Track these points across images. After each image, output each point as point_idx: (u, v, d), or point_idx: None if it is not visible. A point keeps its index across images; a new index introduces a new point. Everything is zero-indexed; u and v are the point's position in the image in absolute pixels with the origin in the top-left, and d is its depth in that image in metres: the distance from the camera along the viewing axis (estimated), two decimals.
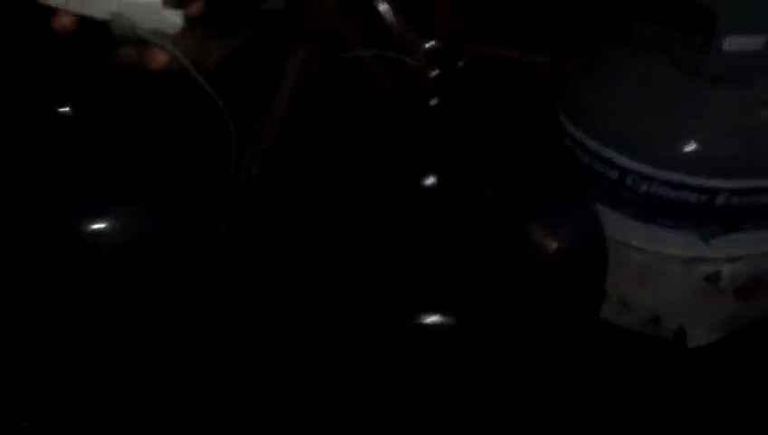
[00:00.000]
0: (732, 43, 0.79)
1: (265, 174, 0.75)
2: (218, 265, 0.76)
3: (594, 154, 0.87)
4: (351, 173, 0.72)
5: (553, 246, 0.69)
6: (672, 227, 0.85)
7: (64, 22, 0.56)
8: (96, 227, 0.72)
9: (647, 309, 0.89)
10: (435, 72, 0.64)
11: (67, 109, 0.72)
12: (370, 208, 0.69)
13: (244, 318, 0.73)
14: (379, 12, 0.63)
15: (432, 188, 0.68)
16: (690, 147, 0.82)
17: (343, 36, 0.93)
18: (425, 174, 0.68)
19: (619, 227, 0.86)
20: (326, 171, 0.74)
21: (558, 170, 0.86)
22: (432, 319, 0.64)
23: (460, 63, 0.65)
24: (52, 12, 0.56)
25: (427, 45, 0.65)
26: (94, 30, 0.57)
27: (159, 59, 0.58)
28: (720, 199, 0.83)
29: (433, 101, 0.66)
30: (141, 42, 0.57)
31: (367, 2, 0.63)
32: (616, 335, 0.90)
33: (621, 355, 0.89)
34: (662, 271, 0.87)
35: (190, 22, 0.58)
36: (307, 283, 0.67)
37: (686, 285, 0.87)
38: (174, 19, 0.57)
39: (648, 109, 0.85)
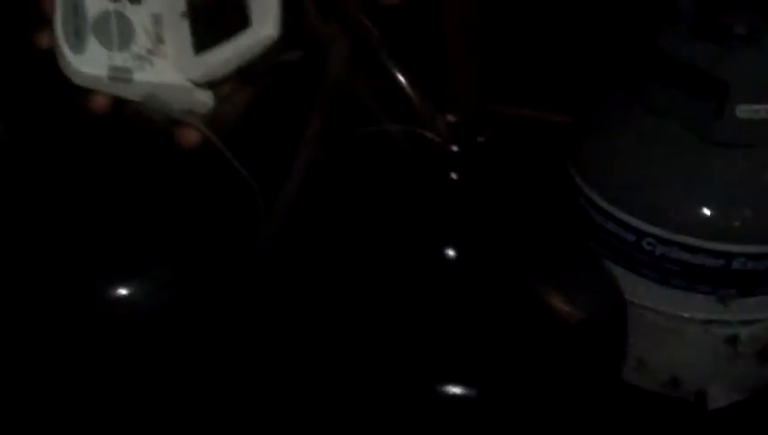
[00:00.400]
0: (744, 111, 0.81)
1: (283, 238, 0.76)
2: (239, 328, 0.77)
3: (609, 216, 0.87)
4: (373, 243, 0.73)
5: (574, 315, 0.69)
6: (688, 290, 0.86)
7: (100, 102, 0.57)
8: (125, 292, 0.74)
9: (665, 370, 0.89)
10: (455, 148, 0.65)
11: (101, 183, 0.75)
12: (391, 279, 0.70)
13: (264, 380, 0.74)
14: (397, 83, 0.64)
15: (452, 258, 0.69)
16: (706, 211, 0.83)
17: (360, 101, 0.94)
18: (445, 245, 0.69)
19: (635, 289, 0.86)
20: (347, 240, 0.75)
21: (576, 234, 0.86)
22: (453, 389, 0.65)
23: (480, 139, 0.66)
24: (88, 92, 0.56)
25: (447, 120, 0.67)
26: (128, 110, 0.58)
27: (191, 137, 0.59)
28: (736, 263, 0.83)
29: (453, 175, 0.67)
30: (173, 120, 0.59)
31: (383, 71, 0.64)
32: (636, 396, 0.90)
33: (642, 416, 0.89)
34: (679, 333, 0.87)
35: (220, 102, 0.60)
36: (328, 354, 0.68)
37: (704, 347, 0.87)
38: (204, 100, 0.58)
39: (664, 172, 0.86)
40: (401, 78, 0.64)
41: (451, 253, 0.69)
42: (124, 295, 0.74)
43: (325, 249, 0.74)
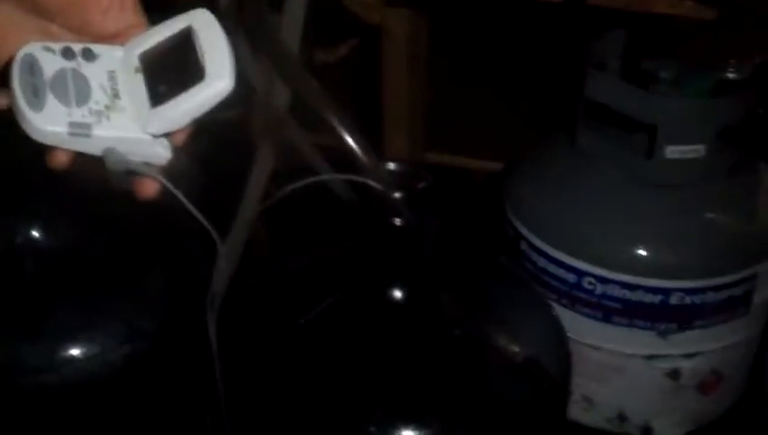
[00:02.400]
0: (673, 152, 0.84)
1: (234, 287, 0.76)
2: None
3: (550, 258, 0.89)
4: (319, 290, 0.73)
5: (518, 354, 0.70)
6: (629, 326, 0.88)
7: (60, 159, 0.57)
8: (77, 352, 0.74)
9: (611, 406, 0.91)
10: (397, 194, 0.67)
11: (60, 235, 0.76)
12: (336, 324, 0.71)
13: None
14: (338, 134, 0.66)
15: (397, 302, 0.69)
16: (642, 250, 0.85)
17: (301, 152, 0.95)
18: (389, 289, 0.69)
19: (577, 327, 0.88)
20: (293, 286, 0.76)
21: (517, 276, 0.88)
22: (398, 431, 0.66)
23: (420, 185, 0.68)
24: (48, 149, 0.57)
25: (388, 168, 0.68)
26: (88, 165, 0.59)
27: (150, 188, 0.60)
28: (674, 298, 0.85)
29: (396, 221, 0.68)
30: (132, 173, 0.59)
31: (324, 122, 0.66)
32: (583, 434, 0.91)
33: None
34: (622, 369, 0.89)
35: (175, 151, 0.60)
36: (278, 394, 0.69)
37: (647, 381, 0.89)
38: (162, 152, 0.59)
39: (599, 213, 0.88)
40: (342, 129, 0.66)
41: (396, 296, 0.69)
42: (77, 356, 0.73)
43: (272, 297, 0.75)
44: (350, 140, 0.64)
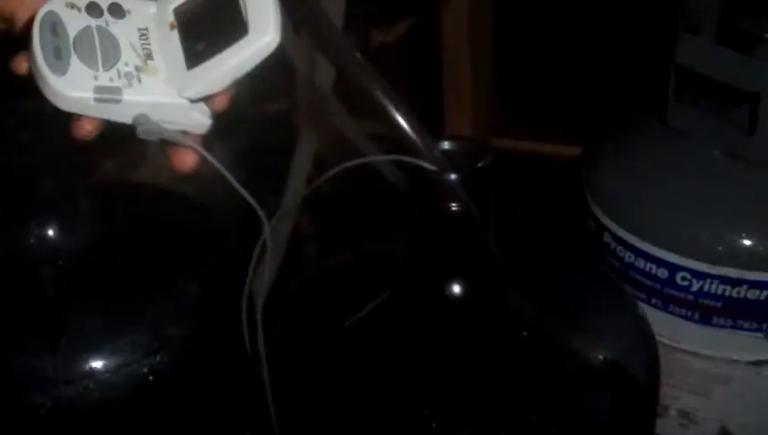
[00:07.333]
0: None
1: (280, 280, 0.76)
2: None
3: (638, 251, 0.87)
4: (368, 288, 0.72)
5: (598, 359, 0.68)
6: (732, 328, 0.85)
7: (86, 128, 0.57)
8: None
9: (713, 422, 0.88)
10: (453, 176, 0.65)
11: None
12: (389, 326, 0.70)
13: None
14: (384, 113, 0.65)
15: (455, 300, 0.68)
16: (746, 239, 0.82)
17: (350, 138, 0.95)
18: (446, 286, 0.68)
19: (672, 331, 0.86)
20: (341, 284, 0.76)
21: (599, 271, 0.86)
22: None
23: (480, 164, 0.65)
24: (72, 118, 0.56)
25: (442, 147, 0.66)
26: (117, 135, 0.58)
27: (188, 160, 0.59)
28: None
29: (452, 206, 0.66)
30: (167, 143, 0.58)
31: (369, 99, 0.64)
32: None
33: None
34: (725, 378, 0.86)
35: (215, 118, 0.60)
36: (334, 400, 0.68)
37: (755, 392, 0.86)
38: (201, 118, 0.58)
39: (695, 199, 0.85)
40: (389, 104, 0.64)
41: (454, 293, 0.68)
42: (97, 368, 0.73)
43: (317, 297, 0.75)
44: (398, 117, 0.63)
